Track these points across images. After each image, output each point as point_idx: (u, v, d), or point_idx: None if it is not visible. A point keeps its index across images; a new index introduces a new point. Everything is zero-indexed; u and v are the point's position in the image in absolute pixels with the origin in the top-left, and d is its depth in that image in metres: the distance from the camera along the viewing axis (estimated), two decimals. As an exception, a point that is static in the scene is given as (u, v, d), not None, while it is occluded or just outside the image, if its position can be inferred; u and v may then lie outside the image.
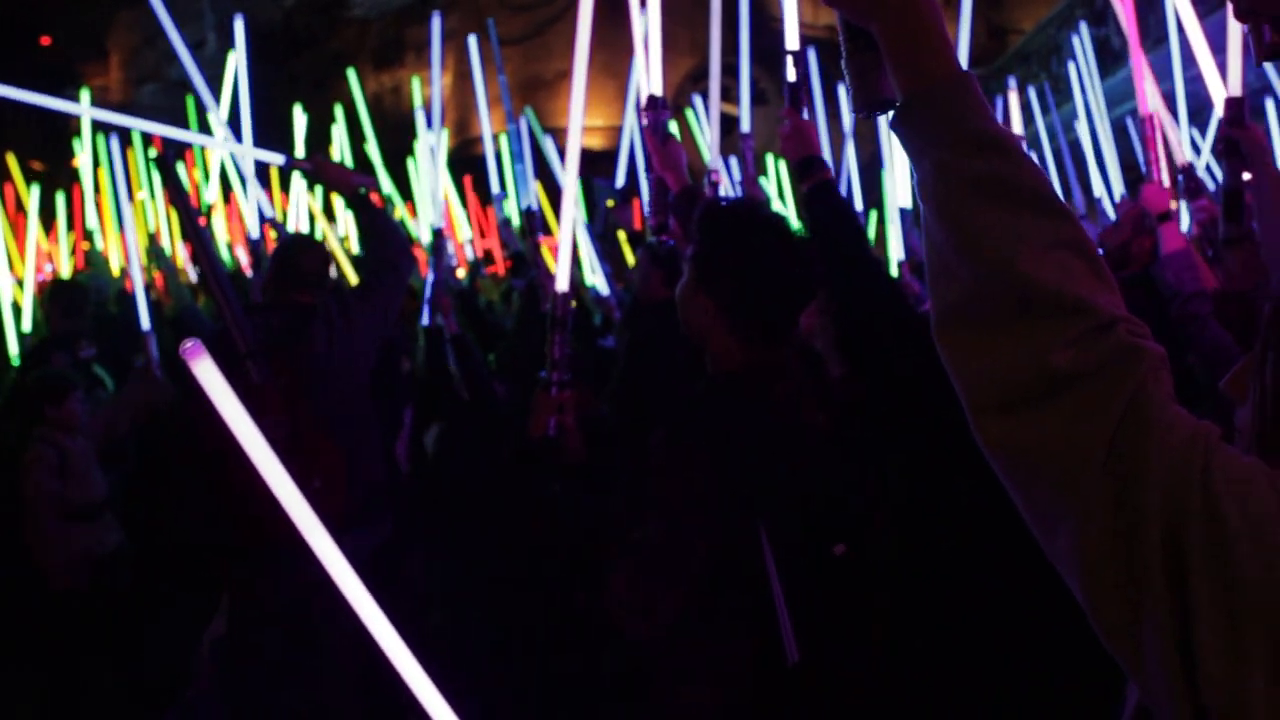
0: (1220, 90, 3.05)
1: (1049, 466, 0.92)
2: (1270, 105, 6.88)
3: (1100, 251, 1.08)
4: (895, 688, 2.19)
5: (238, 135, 5.40)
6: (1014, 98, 5.80)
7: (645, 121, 2.86)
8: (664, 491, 2.06)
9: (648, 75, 2.99)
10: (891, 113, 1.08)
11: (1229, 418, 1.12)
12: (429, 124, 6.44)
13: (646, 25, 3.06)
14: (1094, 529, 0.89)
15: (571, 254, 2.69)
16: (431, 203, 5.97)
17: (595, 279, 5.82)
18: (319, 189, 8.05)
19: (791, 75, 2.80)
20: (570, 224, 2.68)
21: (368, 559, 3.43)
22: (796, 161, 2.60)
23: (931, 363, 1.05)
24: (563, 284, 2.61)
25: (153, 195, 8.76)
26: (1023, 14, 20.83)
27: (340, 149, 9.20)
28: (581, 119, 2.63)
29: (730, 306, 2.14)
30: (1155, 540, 0.87)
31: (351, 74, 9.41)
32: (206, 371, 1.44)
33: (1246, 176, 2.96)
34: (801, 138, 2.64)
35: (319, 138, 9.24)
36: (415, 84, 8.93)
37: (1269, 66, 6.01)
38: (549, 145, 7.39)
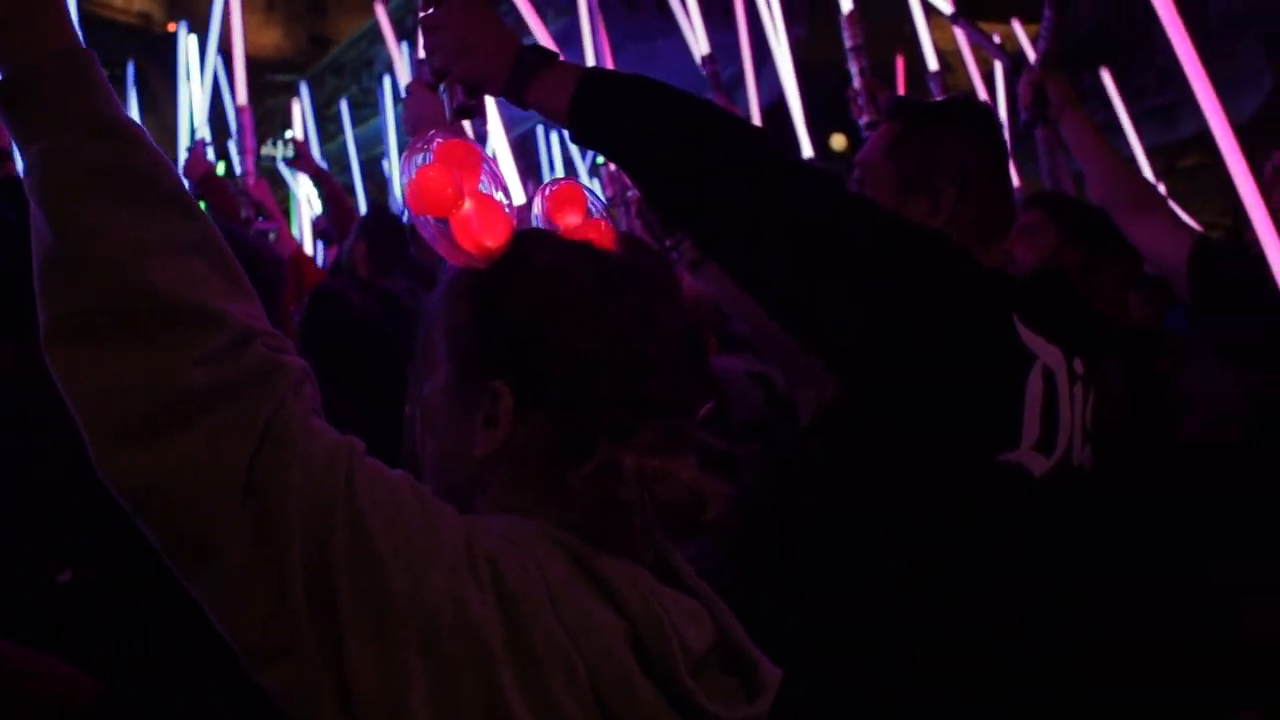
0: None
1: (184, 497, 0.84)
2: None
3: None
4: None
5: None
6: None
7: None
8: None
9: None
10: None
11: None
12: None
13: None
14: (236, 558, 0.85)
15: None
16: None
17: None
18: None
19: None
20: None
21: None
22: None
23: None
24: None
25: None
26: (344, 25, 21.14)
27: None
28: None
29: None
30: (299, 563, 0.84)
31: None
32: None
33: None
34: None
35: None
36: None
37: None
38: None
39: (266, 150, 5.09)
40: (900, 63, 5.18)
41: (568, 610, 0.90)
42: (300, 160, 4.94)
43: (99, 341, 0.85)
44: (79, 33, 0.92)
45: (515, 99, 1.37)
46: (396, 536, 0.86)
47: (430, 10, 1.41)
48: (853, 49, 3.20)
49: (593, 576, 0.94)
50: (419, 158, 1.08)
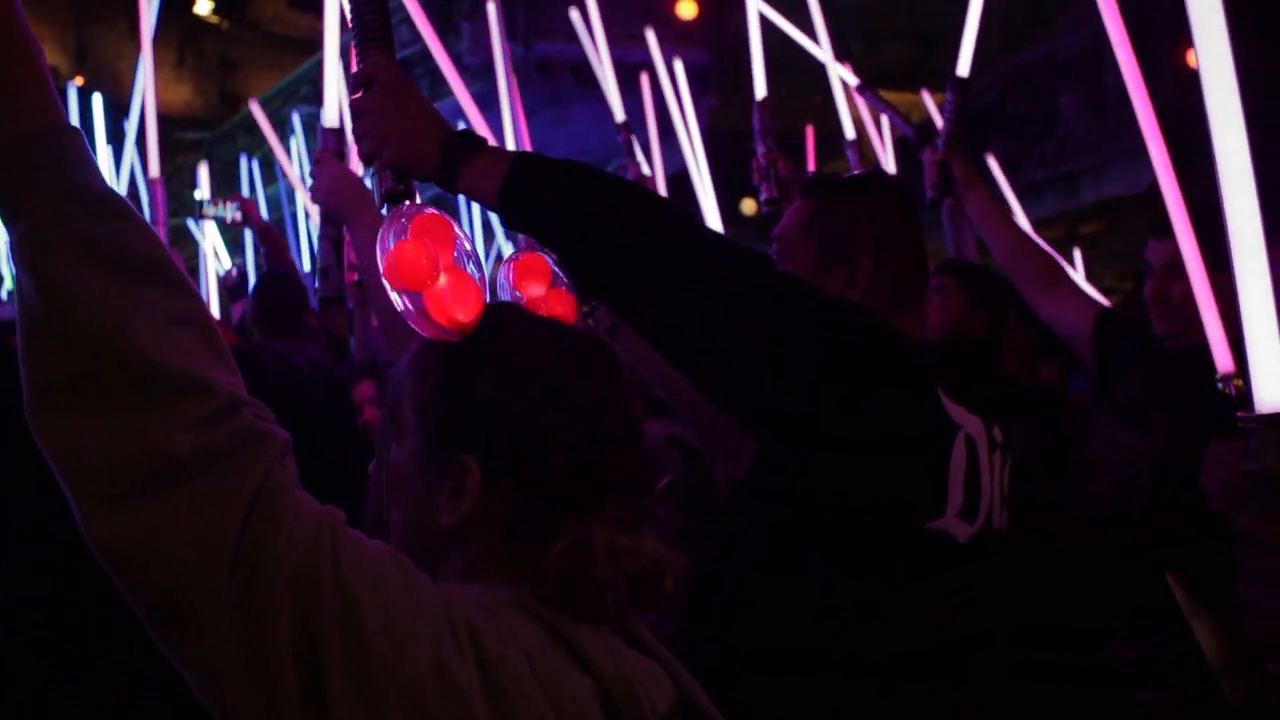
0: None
1: (170, 563, 0.85)
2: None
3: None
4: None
5: None
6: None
7: None
8: None
9: None
10: None
11: None
12: None
13: None
14: (221, 626, 0.86)
15: None
16: None
17: None
18: None
19: None
20: None
21: None
22: None
23: None
24: None
25: None
26: (256, 83, 20.98)
27: None
28: None
29: None
30: (286, 631, 0.86)
31: None
32: None
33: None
34: None
35: None
36: None
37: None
38: None
39: (211, 211, 5.13)
40: (810, 133, 5.26)
41: (544, 674, 0.93)
42: (248, 220, 5.09)
43: (84, 408, 0.85)
44: (64, 109, 0.93)
45: (445, 185, 1.38)
46: (380, 604, 0.88)
47: (359, 95, 1.41)
48: (760, 132, 3.17)
49: (565, 643, 0.97)
50: (395, 230, 1.11)
